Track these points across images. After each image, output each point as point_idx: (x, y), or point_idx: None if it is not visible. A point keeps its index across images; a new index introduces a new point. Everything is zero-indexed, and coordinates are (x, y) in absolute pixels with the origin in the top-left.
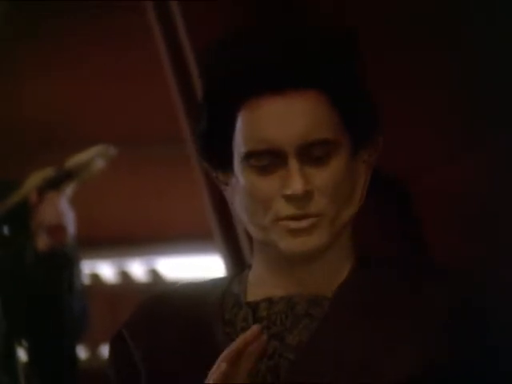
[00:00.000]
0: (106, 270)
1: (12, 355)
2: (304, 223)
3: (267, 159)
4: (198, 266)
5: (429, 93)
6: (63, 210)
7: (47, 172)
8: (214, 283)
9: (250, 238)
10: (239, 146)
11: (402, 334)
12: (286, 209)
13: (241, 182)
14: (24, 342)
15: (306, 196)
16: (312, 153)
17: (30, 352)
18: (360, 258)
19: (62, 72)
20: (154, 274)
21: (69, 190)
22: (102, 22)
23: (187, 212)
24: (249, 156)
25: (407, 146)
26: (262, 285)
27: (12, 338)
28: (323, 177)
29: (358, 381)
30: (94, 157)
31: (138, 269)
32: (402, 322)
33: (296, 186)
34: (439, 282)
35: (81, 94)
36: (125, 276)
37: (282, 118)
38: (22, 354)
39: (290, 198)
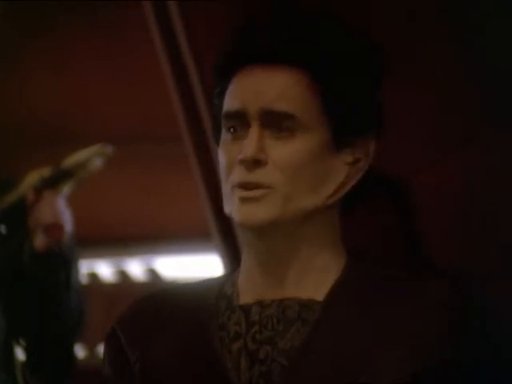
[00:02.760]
0: (104, 269)
1: (10, 354)
2: (253, 193)
3: (237, 123)
4: (197, 266)
5: (426, 92)
6: (60, 208)
7: (44, 171)
8: (208, 285)
9: None
10: (223, 110)
11: (398, 335)
12: (238, 174)
13: (219, 151)
14: (22, 341)
15: (258, 164)
16: (276, 125)
17: (28, 351)
18: (352, 258)
19: (61, 71)
20: (152, 273)
21: (66, 189)
22: (101, 22)
23: (185, 211)
24: (225, 118)
25: (404, 144)
26: (251, 286)
27: (10, 337)
28: (282, 151)
29: None
30: (92, 156)
31: (136, 268)
32: (397, 322)
33: (247, 150)
34: (437, 281)
35: (79, 92)
36: (123, 275)
37: (256, 84)
38: (19, 353)
39: (241, 163)
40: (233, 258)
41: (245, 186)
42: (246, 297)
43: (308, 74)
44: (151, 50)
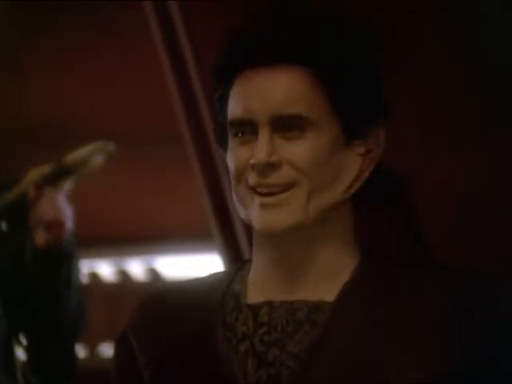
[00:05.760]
0: (104, 268)
1: (10, 353)
2: (274, 199)
3: (245, 128)
4: (197, 265)
5: (426, 92)
6: (61, 205)
7: (45, 168)
8: (215, 281)
9: (248, 236)
10: (228, 116)
11: (410, 336)
12: (252, 178)
13: (228, 156)
14: (22, 340)
15: (272, 166)
16: (286, 126)
17: (29, 350)
18: (365, 258)
19: (61, 71)
20: (153, 272)
21: (67, 185)
22: (101, 22)
23: (186, 211)
24: (231, 125)
25: (404, 144)
26: (261, 286)
27: (10, 336)
28: (295, 150)
29: None
30: (93, 153)
31: (136, 268)
32: (409, 323)
33: (259, 155)
34: (450, 281)
35: (79, 92)
36: (124, 275)
37: (262, 89)
38: (20, 352)
39: (254, 167)
40: (234, 258)
41: (263, 186)
42: (255, 296)
43: (311, 71)
44: (151, 50)
